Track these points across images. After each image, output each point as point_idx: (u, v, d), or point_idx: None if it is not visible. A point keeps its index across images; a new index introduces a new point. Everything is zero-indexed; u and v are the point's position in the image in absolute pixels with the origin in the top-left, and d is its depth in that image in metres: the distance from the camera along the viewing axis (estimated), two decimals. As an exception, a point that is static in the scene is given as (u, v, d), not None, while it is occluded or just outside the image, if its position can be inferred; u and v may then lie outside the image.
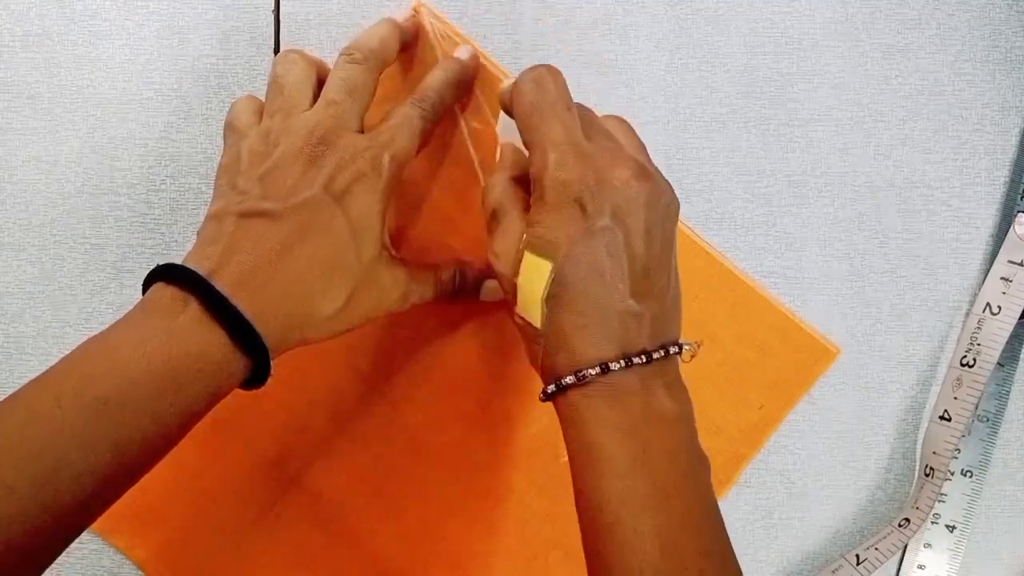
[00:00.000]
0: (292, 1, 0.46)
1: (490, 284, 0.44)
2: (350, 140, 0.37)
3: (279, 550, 0.45)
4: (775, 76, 0.46)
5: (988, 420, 0.46)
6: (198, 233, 0.37)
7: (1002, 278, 0.45)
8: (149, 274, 0.35)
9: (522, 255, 0.35)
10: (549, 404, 0.35)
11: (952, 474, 0.46)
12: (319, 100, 0.39)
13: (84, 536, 0.45)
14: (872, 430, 0.46)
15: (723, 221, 0.46)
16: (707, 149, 0.46)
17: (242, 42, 0.46)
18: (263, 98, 0.40)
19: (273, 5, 0.46)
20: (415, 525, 0.45)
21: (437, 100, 0.41)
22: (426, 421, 0.45)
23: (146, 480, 0.39)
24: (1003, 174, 0.47)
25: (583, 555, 0.34)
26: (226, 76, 0.46)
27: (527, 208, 0.36)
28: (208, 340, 0.33)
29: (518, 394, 0.45)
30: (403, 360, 0.45)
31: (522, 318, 0.35)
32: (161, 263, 0.35)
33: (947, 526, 0.46)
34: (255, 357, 0.34)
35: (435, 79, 0.41)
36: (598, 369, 0.33)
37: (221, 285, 0.34)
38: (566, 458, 0.34)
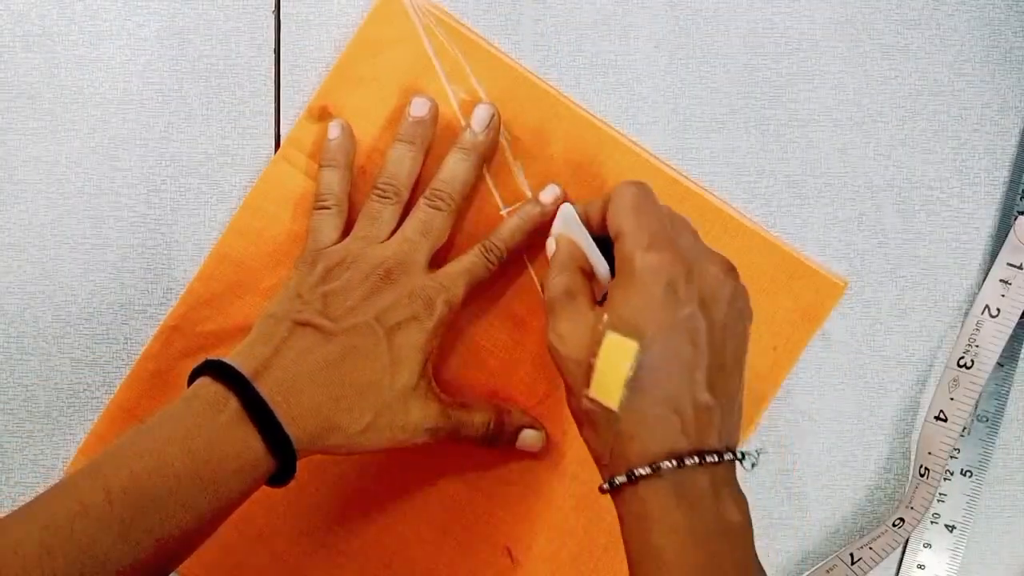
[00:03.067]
0: (292, 1, 0.46)
1: (529, 434, 0.44)
2: (412, 279, 0.40)
3: (288, 535, 0.45)
4: (775, 76, 0.46)
5: (987, 420, 0.46)
6: (255, 325, 0.40)
7: (1001, 280, 0.45)
8: (198, 367, 0.37)
9: (601, 336, 0.35)
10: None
11: (951, 474, 0.46)
12: (397, 233, 0.42)
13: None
14: (871, 430, 0.46)
15: (723, 221, 0.46)
16: (707, 149, 0.46)
17: (242, 42, 0.46)
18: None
19: (273, 5, 0.46)
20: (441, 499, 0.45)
21: (505, 250, 0.43)
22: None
23: None
24: (1003, 174, 0.47)
25: None
26: (226, 76, 0.46)
27: (592, 298, 0.38)
28: (245, 441, 0.35)
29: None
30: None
31: (594, 401, 0.34)
32: (211, 359, 0.37)
33: (947, 526, 0.46)
34: (283, 458, 0.36)
35: (509, 229, 0.43)
36: (673, 463, 0.33)
37: (262, 387, 0.36)
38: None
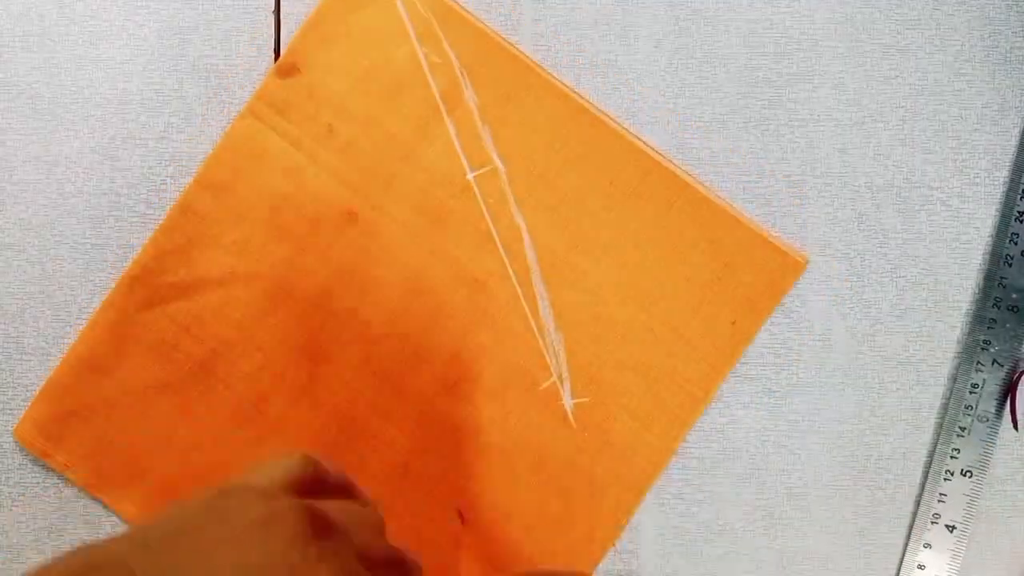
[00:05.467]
0: (292, 1, 0.46)
1: None
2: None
3: None
4: (775, 76, 0.46)
5: (988, 420, 0.46)
6: None
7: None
8: None
9: None
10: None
11: (952, 474, 0.46)
12: None
13: (85, 537, 0.45)
14: (872, 430, 0.46)
15: (723, 221, 0.46)
16: (707, 149, 0.46)
17: (242, 42, 0.46)
18: None
19: (273, 5, 0.46)
20: (392, 460, 0.45)
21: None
22: (401, 360, 0.45)
23: (128, 435, 0.43)
24: (1003, 174, 0.47)
25: None
26: (226, 76, 0.46)
27: None
28: None
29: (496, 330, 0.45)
30: (381, 299, 0.45)
31: None
32: None
33: (947, 526, 0.46)
34: None
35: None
36: None
37: None
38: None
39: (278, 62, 0.45)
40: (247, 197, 0.45)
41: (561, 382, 0.45)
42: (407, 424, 0.45)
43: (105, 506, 0.45)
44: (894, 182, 0.46)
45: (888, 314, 0.46)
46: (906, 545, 0.46)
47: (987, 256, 0.46)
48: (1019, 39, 0.46)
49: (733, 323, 0.45)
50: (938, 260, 0.46)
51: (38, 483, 0.46)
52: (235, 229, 0.45)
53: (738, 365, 0.46)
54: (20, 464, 0.46)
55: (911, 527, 0.46)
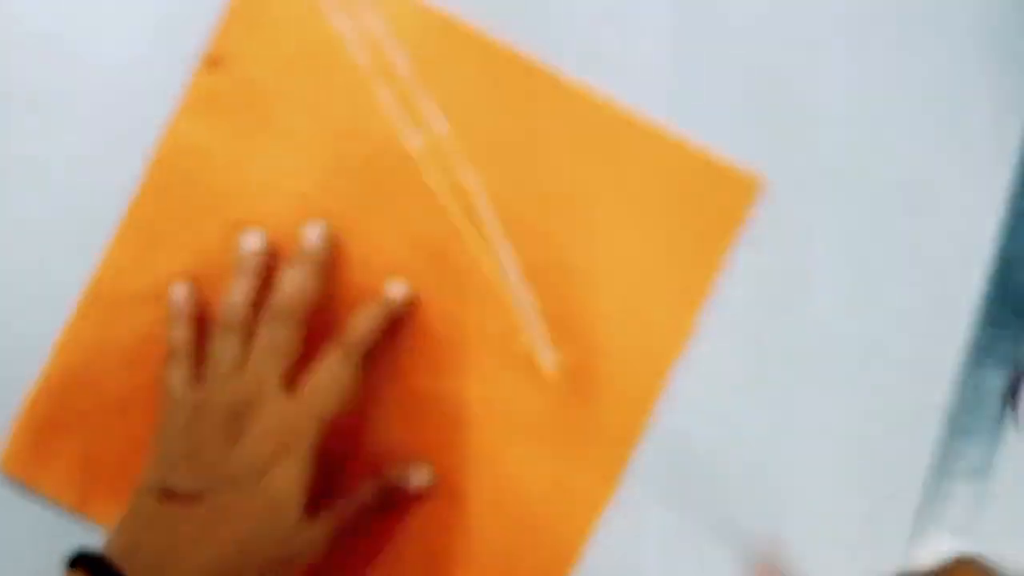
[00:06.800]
0: (292, 1, 0.46)
1: (416, 475, 0.43)
2: (272, 409, 0.38)
3: None
4: (775, 75, 0.46)
5: (989, 420, 0.46)
6: (131, 497, 0.38)
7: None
8: (71, 559, 0.36)
9: None
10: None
11: (953, 474, 0.46)
12: (246, 366, 0.40)
13: (85, 537, 0.45)
14: (872, 430, 0.46)
15: (723, 221, 0.46)
16: (707, 148, 0.46)
17: (242, 42, 0.46)
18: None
19: (273, 5, 0.46)
20: (373, 439, 0.45)
21: (364, 349, 0.41)
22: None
23: (111, 449, 0.44)
24: (1006, 174, 0.46)
25: None
26: (226, 76, 0.46)
27: None
28: None
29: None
30: (341, 279, 0.45)
31: None
32: (83, 549, 0.36)
33: (948, 527, 0.46)
34: None
35: (362, 332, 0.41)
36: None
37: (132, 571, 0.35)
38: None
39: (204, 57, 0.45)
40: (193, 198, 0.45)
41: (536, 337, 0.45)
42: (384, 402, 0.45)
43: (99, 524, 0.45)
44: (896, 182, 0.46)
45: (890, 314, 0.46)
46: (906, 545, 0.46)
47: (990, 256, 0.46)
48: (1019, 39, 0.46)
49: (699, 253, 0.45)
50: (940, 260, 0.46)
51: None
52: (187, 231, 0.45)
53: (738, 365, 0.46)
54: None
55: (911, 527, 0.46)
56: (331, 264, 0.44)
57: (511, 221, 0.45)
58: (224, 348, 0.41)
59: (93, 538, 0.45)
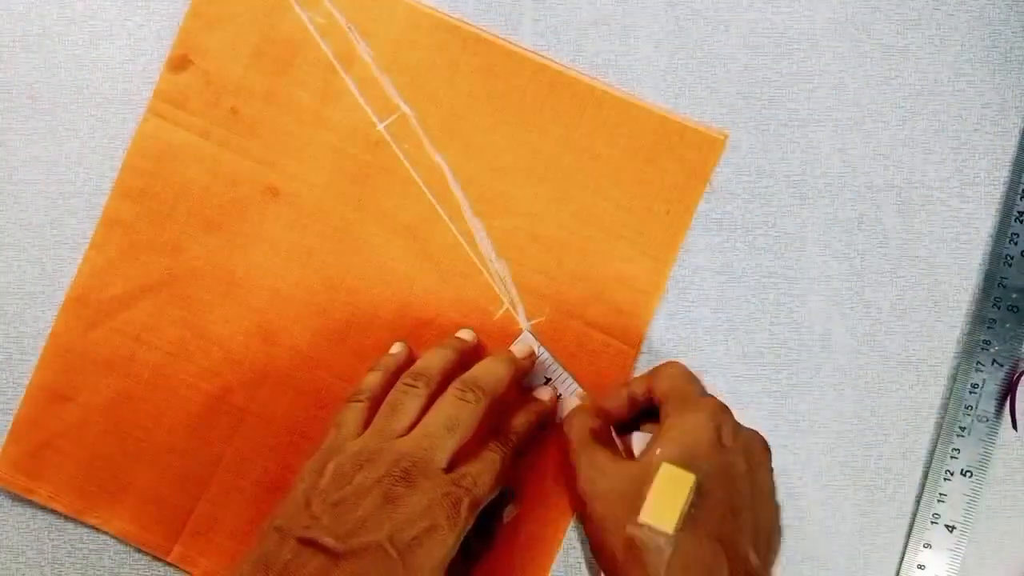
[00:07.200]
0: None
1: (508, 510, 0.43)
2: (436, 483, 0.37)
3: (250, 478, 0.45)
4: (775, 76, 0.46)
5: (988, 420, 0.46)
6: (260, 535, 0.37)
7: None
8: None
9: (654, 467, 0.37)
10: None
11: (951, 474, 0.46)
12: (418, 427, 0.39)
13: (84, 536, 0.45)
14: (872, 430, 0.46)
15: (723, 221, 0.46)
16: (707, 149, 0.46)
17: (242, 42, 0.46)
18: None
19: (273, 5, 0.46)
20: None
21: (519, 442, 0.42)
22: (352, 321, 0.45)
23: (104, 454, 0.44)
24: (1003, 174, 0.47)
25: None
26: (226, 76, 0.46)
27: (613, 449, 0.40)
28: None
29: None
30: (320, 265, 0.45)
31: (646, 527, 0.36)
32: None
33: (947, 526, 0.46)
34: None
35: (520, 423, 0.42)
36: None
37: None
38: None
39: (168, 57, 0.45)
40: (167, 197, 0.45)
41: (514, 307, 0.45)
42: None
43: (96, 528, 0.45)
44: (894, 182, 0.46)
45: (888, 314, 0.46)
46: (906, 545, 0.46)
47: (987, 256, 0.46)
48: (1019, 39, 0.46)
49: (667, 212, 0.45)
50: (938, 260, 0.46)
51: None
52: (163, 231, 0.45)
53: (738, 366, 0.46)
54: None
55: (911, 527, 0.46)
56: (523, 375, 0.44)
57: (480, 196, 0.45)
58: (405, 402, 0.40)
59: (87, 544, 0.45)
